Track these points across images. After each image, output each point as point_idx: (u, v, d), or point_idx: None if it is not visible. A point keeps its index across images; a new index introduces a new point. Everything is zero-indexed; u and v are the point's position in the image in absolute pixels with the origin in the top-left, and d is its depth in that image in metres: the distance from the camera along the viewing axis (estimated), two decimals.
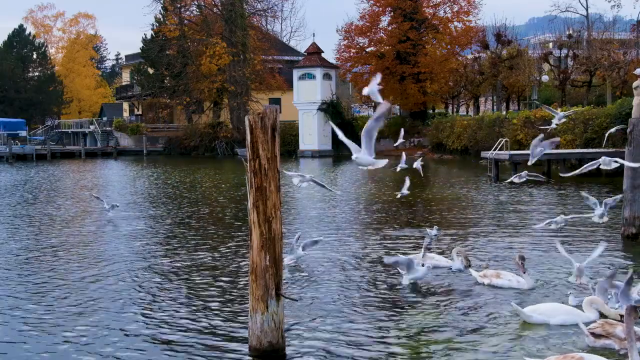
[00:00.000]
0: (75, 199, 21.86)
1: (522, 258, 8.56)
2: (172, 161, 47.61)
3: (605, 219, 10.76)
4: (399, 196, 13.55)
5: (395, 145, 14.68)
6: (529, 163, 9.14)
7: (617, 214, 12.97)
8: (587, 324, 6.63)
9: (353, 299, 8.39)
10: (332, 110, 50.86)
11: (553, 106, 35.44)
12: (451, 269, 9.72)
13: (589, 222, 14.09)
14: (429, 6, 50.98)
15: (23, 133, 63.79)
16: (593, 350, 6.24)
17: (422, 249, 10.07)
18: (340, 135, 6.66)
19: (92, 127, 66.56)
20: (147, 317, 7.74)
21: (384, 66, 49.13)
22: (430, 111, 54.92)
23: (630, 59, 40.43)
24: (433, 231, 12.29)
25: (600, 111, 29.20)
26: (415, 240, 12.39)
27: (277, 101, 58.19)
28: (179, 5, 59.51)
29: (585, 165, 9.74)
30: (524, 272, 8.59)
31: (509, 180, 13.71)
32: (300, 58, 58.01)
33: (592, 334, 6.40)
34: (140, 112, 71.03)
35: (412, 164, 13.95)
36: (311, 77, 51.14)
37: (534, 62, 46.20)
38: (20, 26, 79.65)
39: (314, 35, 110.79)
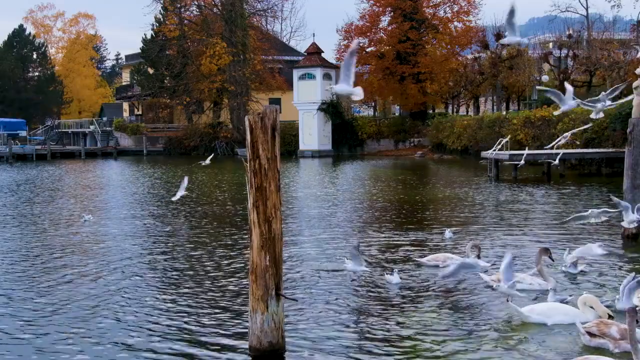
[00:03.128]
0: (78, 198, 21.86)
1: (547, 251, 8.61)
2: (172, 161, 47.62)
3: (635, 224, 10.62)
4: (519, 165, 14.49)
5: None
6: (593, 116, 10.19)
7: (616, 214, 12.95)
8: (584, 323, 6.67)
9: (353, 299, 8.40)
10: (332, 110, 50.91)
11: (553, 106, 35.48)
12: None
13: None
14: (429, 6, 50.97)
15: (23, 133, 63.77)
16: (588, 349, 6.31)
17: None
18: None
19: (92, 127, 66.55)
20: (146, 316, 7.75)
21: (384, 66, 49.16)
22: (430, 111, 54.92)
23: (630, 59, 40.43)
24: (448, 233, 12.33)
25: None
26: (416, 240, 12.40)
27: (277, 101, 58.19)
28: (179, 5, 59.49)
29: None
30: (553, 261, 9.04)
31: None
32: (300, 58, 58.01)
33: (588, 333, 6.44)
34: (140, 112, 71.01)
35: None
36: (311, 77, 51.14)
37: (534, 62, 46.22)
38: (20, 26, 79.61)
39: (314, 35, 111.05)
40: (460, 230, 13.21)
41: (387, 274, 9.32)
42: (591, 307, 7.09)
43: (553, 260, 9.13)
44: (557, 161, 16.08)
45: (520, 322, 7.22)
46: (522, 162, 16.12)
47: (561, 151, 20.27)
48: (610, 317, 6.82)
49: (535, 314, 7.17)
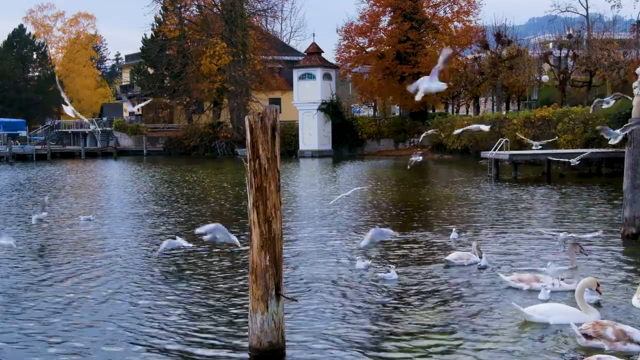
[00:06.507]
0: (79, 198, 21.84)
1: (577, 245, 8.63)
2: (173, 161, 47.60)
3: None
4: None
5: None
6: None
7: (617, 214, 12.96)
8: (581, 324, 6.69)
9: (353, 299, 8.38)
10: (332, 110, 50.87)
11: (553, 106, 35.47)
12: (481, 265, 9.85)
13: (591, 220, 14.14)
14: (429, 6, 50.94)
15: (23, 133, 63.73)
16: (585, 350, 6.32)
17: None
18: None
19: (92, 127, 66.48)
20: (146, 316, 7.74)
21: (384, 66, 49.12)
22: (430, 111, 54.90)
23: (630, 59, 40.44)
24: (453, 234, 12.34)
25: (600, 111, 29.18)
26: (416, 239, 12.39)
27: (277, 101, 58.14)
28: (179, 5, 59.45)
29: None
30: (587, 255, 9.20)
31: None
32: (300, 58, 57.97)
33: (584, 334, 6.44)
34: (140, 112, 70.92)
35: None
36: (311, 77, 51.11)
37: (534, 62, 46.20)
38: (20, 26, 79.59)
39: (314, 35, 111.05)
40: (461, 229, 13.20)
41: (384, 271, 9.34)
42: (588, 302, 7.22)
43: (585, 255, 9.18)
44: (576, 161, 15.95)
45: (522, 322, 7.21)
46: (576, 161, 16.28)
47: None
48: (598, 285, 7.38)
49: (537, 314, 7.18)
